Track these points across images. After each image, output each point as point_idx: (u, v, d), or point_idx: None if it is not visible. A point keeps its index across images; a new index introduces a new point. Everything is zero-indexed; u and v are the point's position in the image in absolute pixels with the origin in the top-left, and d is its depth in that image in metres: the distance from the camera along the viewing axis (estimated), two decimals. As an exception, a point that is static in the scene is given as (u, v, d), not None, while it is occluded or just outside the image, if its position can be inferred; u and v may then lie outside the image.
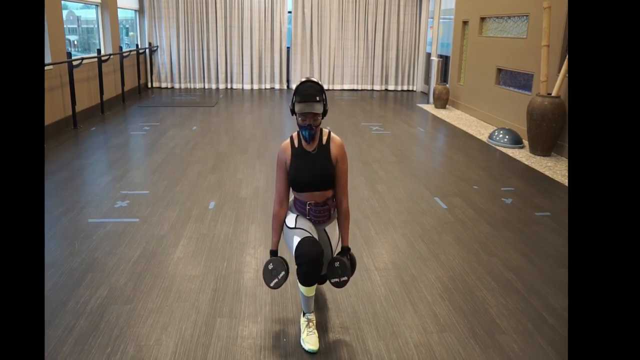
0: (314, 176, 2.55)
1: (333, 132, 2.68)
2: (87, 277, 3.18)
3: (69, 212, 4.23)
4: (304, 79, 2.54)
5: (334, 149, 2.60)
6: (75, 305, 2.87)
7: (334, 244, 2.70)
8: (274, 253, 2.69)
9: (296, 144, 2.62)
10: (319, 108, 2.48)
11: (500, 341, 2.64)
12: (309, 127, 2.49)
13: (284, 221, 2.71)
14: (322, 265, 2.58)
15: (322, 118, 2.55)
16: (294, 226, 2.63)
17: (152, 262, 3.40)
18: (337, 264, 2.60)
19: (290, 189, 2.69)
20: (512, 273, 3.38)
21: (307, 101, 2.45)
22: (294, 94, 2.50)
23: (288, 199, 2.70)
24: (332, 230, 2.72)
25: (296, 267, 2.52)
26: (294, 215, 2.69)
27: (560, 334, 2.71)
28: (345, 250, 2.69)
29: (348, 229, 2.72)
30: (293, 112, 2.54)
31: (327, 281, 2.75)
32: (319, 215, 2.64)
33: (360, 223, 4.15)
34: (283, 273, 2.61)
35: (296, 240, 2.57)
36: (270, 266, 2.62)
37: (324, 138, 2.62)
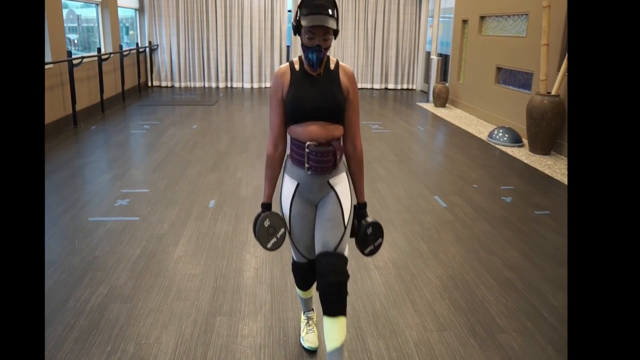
0: (318, 101, 2.10)
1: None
2: (88, 276, 3.18)
3: (69, 210, 4.23)
4: None
5: (344, 77, 2.16)
6: (76, 304, 2.87)
7: (346, 208, 2.21)
8: (267, 207, 2.25)
9: (297, 67, 2.16)
10: (332, 23, 1.99)
11: (500, 340, 2.65)
12: (317, 49, 2.02)
13: (282, 174, 2.28)
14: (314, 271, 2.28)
15: (334, 39, 2.11)
16: (289, 211, 2.24)
17: (152, 261, 3.40)
18: (369, 229, 2.27)
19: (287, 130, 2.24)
20: (511, 272, 3.38)
21: (317, 13, 1.98)
22: (299, 6, 2.03)
23: (285, 140, 2.23)
24: (342, 188, 2.24)
25: (291, 270, 2.35)
26: (291, 186, 2.23)
27: (559, 333, 2.72)
28: (363, 207, 2.32)
29: (363, 179, 2.31)
30: (297, 30, 2.08)
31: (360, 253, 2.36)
32: (322, 161, 2.12)
33: (360, 222, 4.16)
34: (282, 230, 2.21)
35: (292, 248, 2.34)
36: (267, 222, 2.18)
37: (332, 64, 2.18)
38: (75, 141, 6.69)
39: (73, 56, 7.51)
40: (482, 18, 9.18)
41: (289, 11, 12.43)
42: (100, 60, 8.66)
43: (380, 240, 2.33)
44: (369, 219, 2.30)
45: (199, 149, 6.41)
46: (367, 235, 2.28)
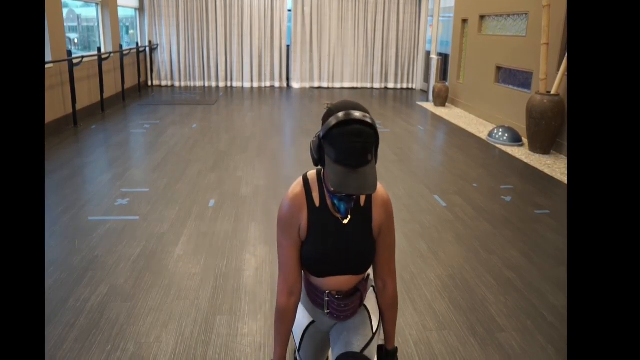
0: (344, 257, 1.65)
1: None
2: (88, 275, 3.19)
3: (69, 210, 4.24)
4: (342, 107, 1.46)
5: (378, 213, 1.66)
6: (76, 303, 2.87)
7: (375, 319, 1.80)
8: None
9: (317, 202, 1.63)
10: (371, 173, 1.43)
11: (500, 339, 2.65)
12: (348, 199, 1.54)
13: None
14: None
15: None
16: (300, 338, 1.85)
17: (152, 260, 3.41)
18: None
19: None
20: (511, 271, 3.38)
21: (352, 166, 1.42)
22: (325, 136, 1.45)
23: (301, 284, 1.70)
24: (371, 305, 1.83)
25: None
26: (304, 319, 1.84)
27: (559, 332, 2.72)
28: (392, 353, 1.84)
29: (395, 323, 1.83)
30: (318, 162, 1.53)
31: None
32: (344, 310, 1.72)
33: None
34: None
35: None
36: None
37: (362, 197, 1.65)
38: (75, 141, 6.69)
39: (73, 55, 7.51)
40: (482, 17, 9.17)
41: (289, 10, 12.43)
42: (101, 60, 8.66)
43: None
44: None
45: (199, 149, 6.41)
46: None
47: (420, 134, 7.71)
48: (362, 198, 1.66)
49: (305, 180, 1.66)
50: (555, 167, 5.97)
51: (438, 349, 2.55)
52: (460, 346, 2.58)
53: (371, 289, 1.87)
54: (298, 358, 1.91)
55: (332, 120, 1.43)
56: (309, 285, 1.77)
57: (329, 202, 1.62)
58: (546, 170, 5.80)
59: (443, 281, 3.23)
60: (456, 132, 7.85)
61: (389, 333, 1.82)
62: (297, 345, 1.88)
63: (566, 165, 6.12)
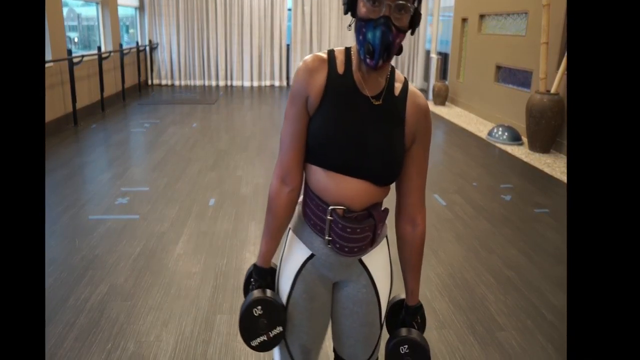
0: (364, 149, 1.31)
1: None
2: (88, 274, 3.19)
3: (69, 209, 4.24)
4: None
5: (413, 112, 1.37)
6: (76, 302, 2.88)
7: (384, 298, 1.51)
8: (262, 274, 1.48)
9: (339, 68, 1.34)
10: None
11: (500, 338, 2.65)
12: (385, 22, 1.23)
13: (288, 229, 1.49)
14: None
15: (410, 32, 1.30)
16: (289, 288, 1.45)
17: (152, 259, 3.41)
18: (404, 347, 1.47)
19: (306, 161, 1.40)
20: (511, 270, 3.39)
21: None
22: None
23: (301, 176, 1.40)
24: (380, 267, 1.49)
25: None
26: (300, 254, 1.45)
27: (559, 331, 2.72)
28: (415, 311, 1.53)
29: (420, 273, 1.53)
30: (349, 7, 1.33)
31: None
32: (353, 239, 1.35)
33: (359, 220, 4.16)
34: (279, 330, 1.44)
35: (278, 347, 1.54)
36: (259, 310, 1.41)
37: (397, 84, 1.37)
38: (75, 140, 6.69)
39: (73, 55, 7.51)
40: (482, 17, 9.17)
41: (289, 10, 12.42)
42: (101, 59, 8.66)
43: None
44: (413, 335, 1.48)
45: (199, 148, 6.41)
46: (400, 355, 1.49)
47: (420, 133, 7.70)
48: (397, 87, 1.36)
49: (331, 51, 1.38)
50: (555, 166, 5.97)
51: (438, 348, 2.56)
52: (460, 345, 2.59)
53: (383, 240, 1.50)
54: (280, 329, 1.45)
55: None
56: (307, 203, 1.41)
57: (355, 72, 1.33)
58: (546, 169, 5.80)
59: (443, 280, 3.24)
60: (456, 131, 7.85)
61: (414, 287, 1.51)
62: (286, 299, 1.46)
63: (566, 164, 6.12)
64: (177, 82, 12.49)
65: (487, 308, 2.93)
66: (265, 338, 1.43)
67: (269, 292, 1.43)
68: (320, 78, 1.32)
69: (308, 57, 1.35)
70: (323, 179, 1.34)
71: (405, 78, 1.41)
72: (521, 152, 6.62)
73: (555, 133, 6.49)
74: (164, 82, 12.48)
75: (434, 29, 11.46)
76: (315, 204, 1.37)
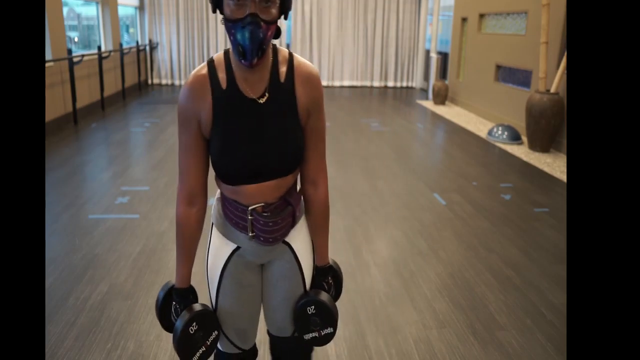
0: (264, 152, 1.34)
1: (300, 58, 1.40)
2: (88, 273, 3.19)
3: (69, 208, 4.24)
4: None
5: (303, 89, 1.36)
6: (76, 301, 2.88)
7: (307, 273, 1.56)
8: (183, 295, 1.51)
9: (223, 83, 1.32)
10: None
11: (499, 337, 2.66)
12: (253, 20, 1.20)
13: (208, 242, 1.56)
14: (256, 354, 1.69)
15: (281, 17, 1.32)
16: (218, 277, 1.51)
17: (152, 258, 3.41)
18: (311, 309, 1.50)
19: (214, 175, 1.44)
20: (510, 269, 3.39)
21: None
22: None
23: (205, 192, 1.47)
24: (302, 241, 1.55)
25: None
26: (225, 248, 1.50)
27: (558, 330, 2.73)
28: (324, 271, 1.58)
29: (327, 234, 1.56)
30: (215, 3, 1.26)
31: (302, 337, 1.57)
32: (274, 230, 1.41)
33: (359, 219, 4.16)
34: (215, 334, 1.51)
35: (220, 339, 1.59)
36: (194, 327, 1.44)
37: (282, 68, 1.36)
38: (75, 139, 6.70)
39: (73, 54, 7.52)
40: (482, 16, 9.17)
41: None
42: (101, 58, 8.66)
43: (329, 330, 1.53)
44: (320, 296, 1.51)
45: (198, 147, 6.40)
46: (307, 315, 1.51)
47: (419, 132, 7.71)
48: (282, 72, 1.35)
49: (210, 61, 1.34)
50: (555, 165, 5.97)
51: (437, 347, 2.56)
52: (460, 344, 2.59)
53: (303, 217, 1.55)
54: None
55: None
56: (225, 205, 1.45)
57: (239, 78, 1.30)
58: (545, 169, 5.80)
59: (442, 279, 3.24)
60: (456, 131, 7.86)
61: (321, 248, 1.56)
62: (214, 295, 1.52)
63: (565, 163, 6.13)
64: (177, 82, 12.49)
65: (486, 307, 2.93)
66: (204, 348, 1.48)
67: (196, 307, 1.47)
68: (207, 98, 1.32)
69: (189, 77, 1.34)
70: (235, 192, 1.39)
71: (290, 53, 1.39)
72: (521, 151, 6.63)
73: (555, 132, 6.50)
74: (164, 81, 12.49)
75: (434, 28, 11.47)
76: (233, 207, 1.42)
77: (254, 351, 1.67)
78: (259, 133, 1.33)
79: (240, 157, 1.33)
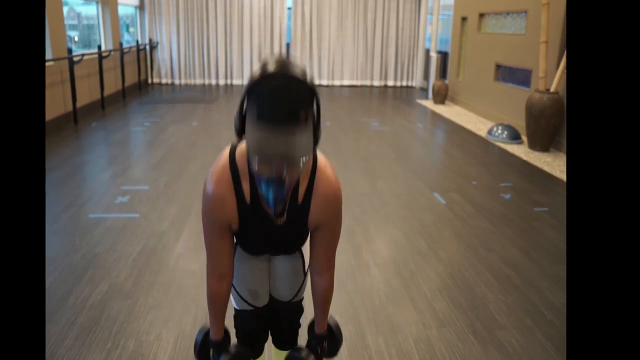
0: (277, 242, 1.60)
1: (322, 154, 1.50)
2: (88, 273, 3.19)
3: (69, 207, 4.24)
4: (269, 65, 1.19)
5: (317, 208, 1.46)
6: (76, 301, 2.88)
7: (307, 257, 1.74)
8: (220, 345, 1.66)
9: (247, 197, 1.43)
10: (301, 137, 1.18)
11: (499, 336, 2.66)
12: (278, 182, 1.25)
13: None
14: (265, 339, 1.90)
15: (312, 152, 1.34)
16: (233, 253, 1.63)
17: (152, 258, 3.41)
18: None
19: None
20: (510, 269, 3.39)
21: (276, 123, 1.15)
22: (249, 91, 1.21)
23: (232, 267, 1.59)
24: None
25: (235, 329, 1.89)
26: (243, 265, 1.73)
27: (558, 329, 2.73)
28: (320, 338, 1.70)
29: (328, 309, 1.69)
30: (241, 132, 1.28)
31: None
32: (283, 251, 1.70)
33: (359, 219, 4.17)
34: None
35: (231, 294, 1.80)
36: None
37: (302, 187, 1.44)
38: (75, 138, 6.69)
39: (73, 53, 7.52)
40: (482, 15, 9.17)
41: (289, 9, 12.42)
42: (101, 58, 8.66)
43: None
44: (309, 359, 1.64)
45: (199, 146, 6.41)
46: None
47: (419, 132, 7.71)
48: (301, 192, 1.43)
49: (232, 161, 1.39)
50: (555, 164, 5.97)
51: (437, 347, 2.56)
52: (460, 344, 2.59)
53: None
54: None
55: (257, 73, 1.19)
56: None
57: (262, 196, 1.32)
58: (545, 168, 5.80)
59: (442, 279, 3.24)
60: (455, 130, 7.85)
61: (320, 318, 1.68)
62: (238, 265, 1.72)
63: (565, 163, 6.13)
64: (177, 81, 12.49)
65: (486, 307, 2.93)
66: None
67: (231, 349, 1.67)
68: (233, 209, 1.45)
69: (214, 178, 1.41)
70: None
71: (314, 164, 1.45)
72: (521, 150, 6.63)
73: (555, 132, 6.50)
74: (164, 80, 12.49)
75: (434, 27, 11.46)
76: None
77: (262, 311, 1.83)
78: (275, 233, 1.53)
79: (259, 244, 1.58)
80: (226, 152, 1.43)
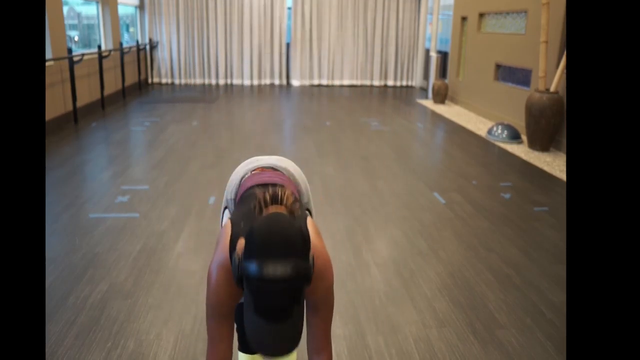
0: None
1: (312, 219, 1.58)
2: (88, 273, 3.20)
3: (69, 207, 4.24)
4: (260, 247, 1.19)
5: (313, 291, 1.47)
6: (76, 300, 2.88)
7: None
8: None
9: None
10: (292, 326, 1.21)
11: (499, 336, 2.66)
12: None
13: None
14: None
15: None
16: None
17: (152, 258, 3.41)
18: None
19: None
20: (510, 268, 3.39)
21: (270, 321, 1.19)
22: (243, 271, 1.22)
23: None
24: None
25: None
26: None
27: (558, 329, 2.73)
28: None
29: None
30: (239, 282, 1.26)
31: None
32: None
33: (359, 219, 4.17)
34: None
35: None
36: None
37: None
38: (75, 138, 6.69)
39: (73, 53, 7.52)
40: (481, 15, 9.17)
41: (289, 8, 12.42)
42: (101, 57, 8.66)
43: None
44: None
45: (199, 146, 6.41)
46: None
47: (419, 132, 7.71)
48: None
49: (232, 257, 1.32)
50: (555, 164, 5.97)
51: (437, 346, 2.56)
52: (460, 343, 2.59)
53: None
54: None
55: (250, 268, 1.19)
56: None
57: None
58: (545, 168, 5.80)
59: (442, 278, 3.24)
60: (455, 130, 7.86)
61: None
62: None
63: (565, 163, 6.13)
64: (177, 81, 12.49)
65: (486, 306, 2.94)
66: None
67: None
68: (235, 300, 1.47)
69: (215, 270, 1.44)
70: None
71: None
72: (521, 150, 6.63)
73: (555, 131, 6.50)
74: (164, 80, 12.49)
75: (434, 27, 11.46)
76: None
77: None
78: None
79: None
80: (227, 240, 1.45)
